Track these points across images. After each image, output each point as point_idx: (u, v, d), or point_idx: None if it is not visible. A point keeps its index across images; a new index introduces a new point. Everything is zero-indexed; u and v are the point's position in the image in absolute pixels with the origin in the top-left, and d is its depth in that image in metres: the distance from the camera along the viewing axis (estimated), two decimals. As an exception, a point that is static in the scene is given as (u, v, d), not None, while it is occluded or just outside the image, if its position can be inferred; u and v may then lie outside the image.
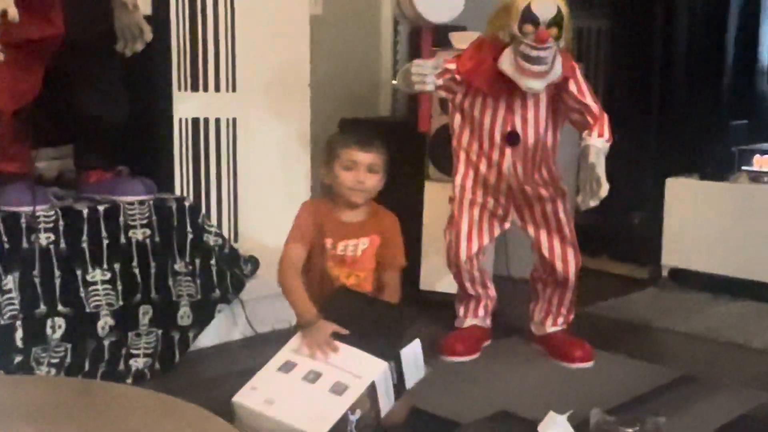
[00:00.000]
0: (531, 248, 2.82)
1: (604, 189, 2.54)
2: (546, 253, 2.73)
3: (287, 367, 2.05)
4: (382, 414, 2.02)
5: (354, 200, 2.28)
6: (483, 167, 2.70)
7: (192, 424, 1.12)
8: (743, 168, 3.61)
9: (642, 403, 2.39)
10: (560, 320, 2.81)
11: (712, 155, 3.67)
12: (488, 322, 2.89)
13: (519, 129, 2.62)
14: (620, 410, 2.29)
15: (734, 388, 2.53)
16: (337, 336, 2.09)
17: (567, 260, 2.72)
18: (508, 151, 2.65)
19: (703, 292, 3.61)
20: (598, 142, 2.54)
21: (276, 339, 2.77)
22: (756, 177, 3.57)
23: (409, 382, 2.09)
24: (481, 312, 2.87)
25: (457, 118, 2.73)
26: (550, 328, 2.81)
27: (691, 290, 3.65)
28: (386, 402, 2.01)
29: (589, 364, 2.71)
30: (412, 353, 2.09)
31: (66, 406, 1.18)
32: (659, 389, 2.52)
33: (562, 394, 2.45)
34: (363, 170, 2.25)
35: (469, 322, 2.86)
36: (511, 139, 2.63)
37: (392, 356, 2.04)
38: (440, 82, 2.59)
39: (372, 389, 1.96)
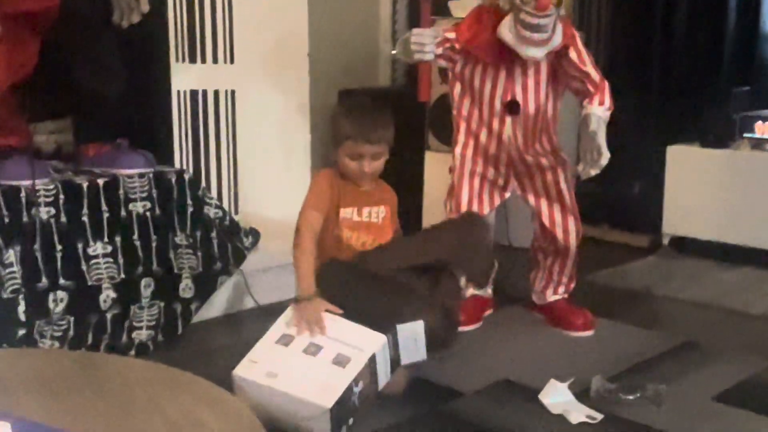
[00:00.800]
0: (531, 218, 2.81)
1: (605, 157, 2.53)
2: (546, 222, 2.72)
3: (285, 340, 2.05)
4: (380, 386, 2.03)
5: (359, 183, 2.32)
6: (483, 137, 2.69)
7: (195, 396, 1.12)
8: (745, 135, 3.60)
9: (643, 371, 2.40)
10: (561, 289, 2.81)
11: (714, 122, 3.66)
12: (489, 291, 2.90)
13: (519, 98, 2.61)
14: (621, 377, 2.31)
15: (734, 354, 2.55)
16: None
17: (568, 229, 2.72)
18: (508, 120, 2.63)
19: (704, 260, 3.61)
20: (599, 110, 2.53)
21: (278, 311, 2.79)
22: (757, 144, 3.56)
23: (405, 358, 2.10)
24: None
25: (457, 87, 2.71)
26: (551, 297, 2.82)
27: (691, 258, 3.65)
28: (384, 375, 2.03)
29: (590, 332, 2.72)
30: (411, 331, 2.09)
31: (69, 379, 1.18)
32: (660, 356, 2.53)
33: (564, 362, 2.46)
34: (368, 159, 2.28)
35: (471, 291, 2.86)
36: (512, 107, 2.62)
37: (390, 330, 2.04)
38: (440, 51, 2.57)
39: (372, 361, 1.97)
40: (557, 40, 2.50)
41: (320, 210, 2.26)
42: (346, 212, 2.30)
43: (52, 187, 2.38)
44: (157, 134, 2.91)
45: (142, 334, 2.54)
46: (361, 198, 2.32)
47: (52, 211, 2.37)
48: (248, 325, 2.76)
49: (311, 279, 2.17)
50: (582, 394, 2.18)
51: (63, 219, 2.39)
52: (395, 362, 2.07)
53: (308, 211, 2.26)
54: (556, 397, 2.16)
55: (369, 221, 2.32)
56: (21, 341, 2.27)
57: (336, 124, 2.31)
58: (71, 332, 2.38)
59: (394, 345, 2.05)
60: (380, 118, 2.32)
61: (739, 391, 2.28)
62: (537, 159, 2.68)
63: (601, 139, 2.52)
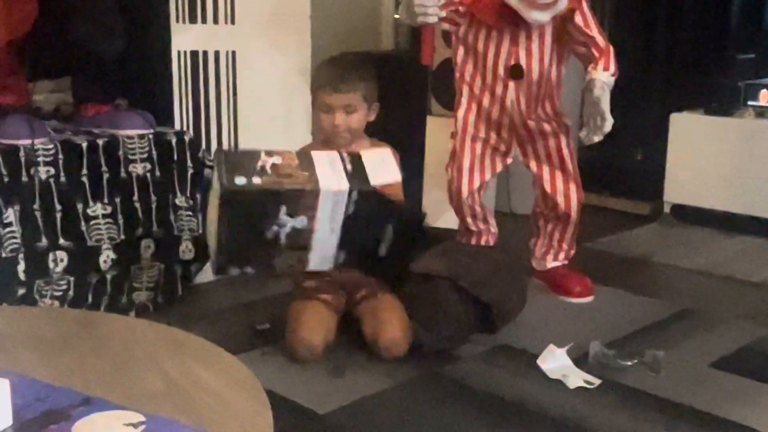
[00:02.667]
0: (533, 184, 2.80)
1: (608, 124, 2.51)
2: (548, 188, 2.71)
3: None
4: (315, 227, 1.88)
5: (337, 143, 2.23)
6: (486, 101, 2.67)
7: (194, 355, 1.12)
8: (749, 103, 3.57)
9: (641, 337, 2.41)
10: (561, 255, 2.81)
11: (718, 90, 3.63)
12: (489, 257, 2.89)
13: (523, 62, 2.58)
14: (619, 344, 2.32)
15: (733, 322, 2.55)
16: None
17: (569, 196, 2.71)
18: (511, 84, 2.61)
19: (705, 228, 3.61)
20: (604, 75, 2.50)
21: (277, 274, 2.79)
22: (762, 112, 3.54)
23: (375, 179, 1.92)
24: (482, 247, 2.87)
25: (461, 51, 2.68)
26: (550, 263, 2.82)
27: (692, 226, 3.65)
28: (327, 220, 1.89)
29: (589, 299, 2.73)
30: (378, 156, 1.99)
31: (69, 336, 1.18)
32: (659, 323, 2.54)
33: (562, 327, 2.47)
34: (340, 113, 2.21)
35: (471, 257, 2.86)
36: (515, 72, 2.59)
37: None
38: (443, 13, 2.54)
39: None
40: (563, 3, 2.47)
41: None
42: None
43: (51, 146, 2.37)
44: (157, 95, 2.88)
45: (141, 295, 2.54)
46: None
47: (52, 170, 2.36)
48: (247, 288, 2.76)
49: None
50: (580, 360, 2.19)
51: (62, 179, 2.38)
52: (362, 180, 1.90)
53: None
54: (555, 362, 2.16)
55: None
56: (20, 300, 2.27)
57: (312, 81, 2.29)
58: (71, 292, 2.39)
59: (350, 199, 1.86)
60: (354, 69, 2.25)
61: (737, 358, 2.29)
62: (540, 124, 2.67)
63: (605, 105, 2.50)
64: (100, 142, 2.47)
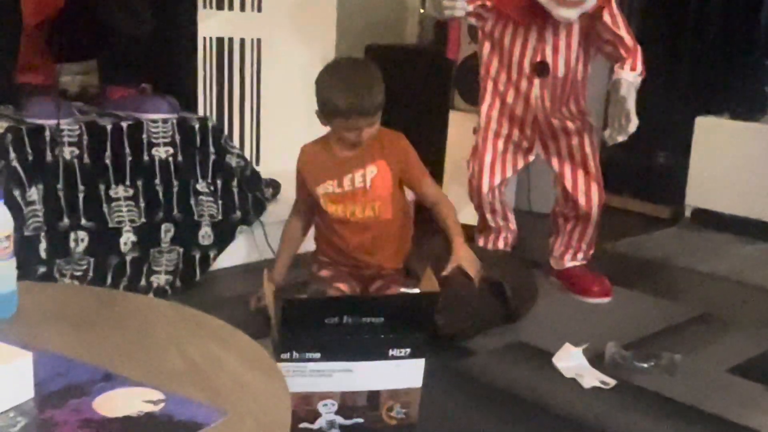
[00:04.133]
0: (554, 182, 2.79)
1: (633, 124, 2.50)
2: (569, 187, 2.70)
3: None
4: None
5: (354, 151, 2.20)
6: (510, 98, 2.66)
7: (214, 336, 1.13)
8: (776, 109, 3.54)
9: (658, 340, 2.40)
10: (580, 255, 2.80)
11: (745, 94, 3.59)
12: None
13: (549, 59, 2.57)
14: (636, 345, 2.30)
15: (751, 328, 2.53)
16: None
17: (590, 195, 2.70)
18: (536, 81, 2.60)
19: (725, 233, 3.58)
20: (630, 75, 2.49)
21: (294, 262, 2.80)
22: (788, 118, 3.50)
23: None
24: (501, 244, 2.86)
25: (486, 46, 2.67)
26: (569, 263, 2.80)
27: (712, 231, 3.62)
28: None
29: (606, 299, 2.71)
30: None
31: (91, 314, 1.19)
32: (676, 327, 2.52)
33: (579, 327, 2.46)
34: (366, 129, 2.14)
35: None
36: (541, 69, 2.58)
37: None
38: (470, 8, 2.53)
39: None
40: (591, 1, 2.45)
41: (298, 214, 2.39)
42: (326, 187, 2.22)
43: (76, 127, 2.39)
44: (182, 80, 2.90)
45: (160, 279, 2.56)
46: (339, 168, 2.20)
47: (76, 151, 2.38)
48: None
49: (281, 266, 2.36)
50: (596, 360, 2.18)
51: (86, 160, 2.40)
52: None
53: (288, 219, 2.42)
54: (570, 361, 2.16)
55: (353, 189, 2.20)
56: (41, 279, 2.29)
57: (324, 97, 2.13)
58: (91, 273, 2.40)
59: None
60: (372, 84, 2.12)
61: (754, 364, 2.27)
62: (563, 122, 2.65)
63: (631, 105, 2.48)
64: (125, 125, 2.48)
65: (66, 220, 2.36)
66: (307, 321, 1.55)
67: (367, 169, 2.21)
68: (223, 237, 2.73)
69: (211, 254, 2.70)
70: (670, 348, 2.27)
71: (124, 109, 2.61)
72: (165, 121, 2.57)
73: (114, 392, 0.94)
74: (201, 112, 2.92)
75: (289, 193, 2.99)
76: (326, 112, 2.15)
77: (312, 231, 2.43)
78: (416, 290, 1.82)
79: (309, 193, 2.29)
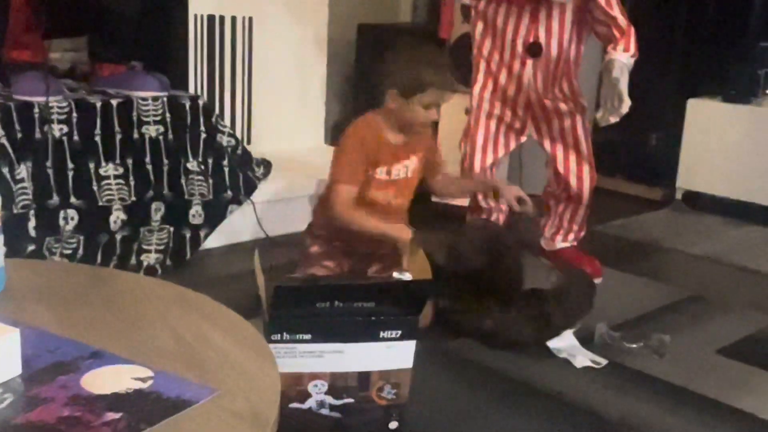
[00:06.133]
0: (546, 163, 2.79)
1: (626, 105, 2.49)
2: (561, 168, 2.70)
3: None
4: None
5: (418, 133, 2.24)
6: (503, 78, 2.65)
7: (204, 314, 1.12)
8: (768, 91, 3.54)
9: (648, 321, 2.41)
10: (571, 236, 2.80)
11: (737, 77, 3.59)
12: (499, 235, 2.88)
13: (542, 40, 2.56)
14: (626, 326, 2.31)
15: (740, 310, 2.55)
16: None
17: (582, 177, 2.70)
18: (529, 62, 2.59)
19: (716, 216, 3.59)
20: (623, 56, 2.48)
21: (287, 242, 2.79)
22: (779, 101, 3.50)
23: None
24: (492, 225, 2.86)
25: (479, 26, 2.66)
26: (560, 244, 2.81)
27: (703, 213, 3.63)
28: None
29: (597, 281, 2.71)
30: None
31: (79, 291, 1.18)
32: (666, 308, 2.53)
33: (569, 308, 2.46)
34: (440, 109, 2.21)
35: (480, 234, 2.85)
36: (534, 49, 2.57)
37: None
38: (464, -14, 2.51)
39: None
40: (585, -19, 2.44)
41: (353, 182, 2.18)
42: (379, 173, 2.23)
43: (65, 104, 2.37)
44: (173, 58, 2.88)
45: (150, 257, 2.55)
46: (393, 154, 2.23)
47: (65, 129, 2.36)
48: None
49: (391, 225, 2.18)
50: (586, 340, 2.19)
51: (75, 137, 2.38)
52: None
53: (340, 186, 2.18)
54: (562, 341, 2.16)
55: (397, 179, 2.25)
56: (30, 257, 2.28)
57: (418, 71, 2.16)
58: (80, 251, 2.39)
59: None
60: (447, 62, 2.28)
61: (743, 345, 2.28)
62: (556, 104, 2.65)
63: (623, 86, 2.47)
64: (114, 102, 2.46)
65: (55, 198, 2.34)
66: (297, 305, 1.54)
67: (411, 159, 2.27)
68: (214, 216, 2.72)
69: (202, 233, 2.69)
70: (659, 329, 2.28)
71: (113, 87, 2.58)
72: (155, 99, 2.55)
73: (102, 369, 0.93)
74: (192, 91, 2.90)
75: (280, 172, 2.98)
76: (419, 86, 2.16)
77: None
78: (409, 276, 1.82)
79: (366, 167, 2.21)
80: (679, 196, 3.77)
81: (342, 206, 2.18)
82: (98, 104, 2.43)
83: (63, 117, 2.36)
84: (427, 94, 2.17)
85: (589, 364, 2.08)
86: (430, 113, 2.19)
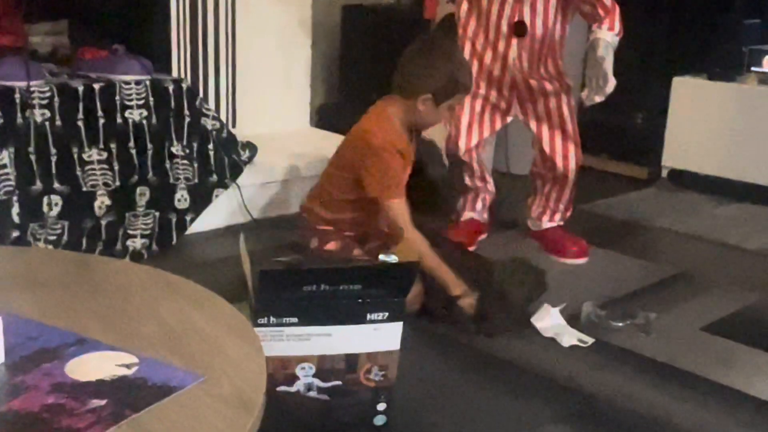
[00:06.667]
0: (532, 143, 2.78)
1: (611, 84, 2.49)
2: (547, 148, 2.70)
3: None
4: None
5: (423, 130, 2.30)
6: (488, 58, 2.64)
7: (190, 300, 1.12)
8: (753, 69, 3.54)
9: (634, 299, 2.42)
10: (557, 216, 2.81)
11: (722, 55, 3.59)
12: (486, 216, 2.89)
13: (527, 19, 2.55)
14: (612, 305, 2.32)
15: (725, 287, 2.56)
16: None
17: (568, 156, 2.70)
18: (514, 41, 2.58)
19: (702, 194, 3.61)
20: (608, 35, 2.47)
21: (273, 225, 2.79)
22: (765, 78, 3.51)
23: None
24: (479, 205, 2.86)
25: (464, 6, 2.64)
26: (546, 224, 2.81)
27: (689, 191, 3.65)
28: None
29: (583, 260, 2.73)
30: None
31: (63, 278, 1.18)
32: (652, 286, 2.54)
33: (556, 288, 2.46)
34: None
35: (467, 215, 2.85)
36: (519, 29, 2.56)
37: None
38: (448, -34, 2.50)
39: None
40: (570, -40, 2.43)
41: (404, 195, 2.17)
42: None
43: (47, 89, 2.34)
44: (155, 41, 2.85)
45: (136, 243, 2.54)
46: (410, 155, 2.26)
47: (47, 113, 2.34)
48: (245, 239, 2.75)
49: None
50: (573, 319, 2.20)
51: (58, 122, 2.35)
52: None
53: (398, 203, 2.15)
54: (548, 320, 2.17)
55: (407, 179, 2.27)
56: (14, 243, 2.26)
57: (457, 75, 2.16)
58: (65, 237, 2.38)
59: None
60: None
61: (728, 322, 2.30)
62: (541, 83, 2.64)
63: (608, 65, 2.47)
64: (97, 86, 2.44)
65: (39, 184, 2.32)
66: (283, 289, 1.54)
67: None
68: (200, 200, 2.71)
69: (188, 218, 2.68)
70: (645, 307, 2.29)
71: (96, 71, 2.56)
72: (138, 82, 2.53)
73: (87, 356, 0.93)
74: (175, 74, 2.87)
75: (265, 156, 2.97)
76: (455, 90, 2.18)
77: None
78: (395, 259, 1.82)
79: None
80: (664, 174, 3.78)
81: (407, 225, 2.14)
82: (80, 88, 2.40)
83: (45, 102, 2.33)
84: (457, 97, 2.20)
85: (576, 342, 2.09)
86: (446, 114, 2.25)
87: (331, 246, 2.27)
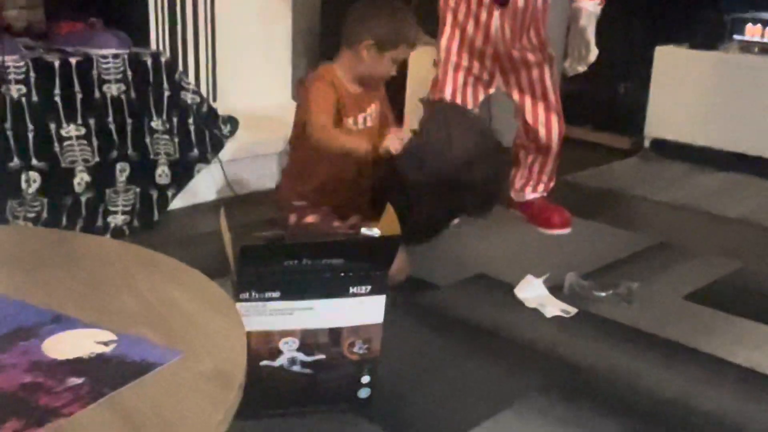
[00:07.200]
0: (515, 114, 2.77)
1: (593, 54, 2.48)
2: (530, 119, 2.69)
3: None
4: None
5: (375, 88, 2.25)
6: (470, 29, 2.61)
7: (168, 275, 1.10)
8: (735, 37, 3.54)
9: (617, 269, 2.43)
10: (540, 187, 2.81)
11: (704, 23, 3.58)
12: (469, 187, 2.88)
13: (509, -11, 2.52)
14: (595, 275, 2.33)
15: (708, 256, 2.58)
16: None
17: (551, 127, 2.69)
18: (496, 12, 2.55)
19: (684, 163, 3.62)
20: (590, 5, 2.46)
21: (257, 201, 2.77)
22: (746, 47, 3.51)
23: None
24: (462, 177, 2.85)
25: (445, -24, 2.62)
26: (529, 195, 2.81)
27: (672, 161, 3.66)
28: None
29: (566, 231, 2.74)
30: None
31: (40, 255, 1.16)
32: (635, 256, 2.55)
33: (540, 258, 2.48)
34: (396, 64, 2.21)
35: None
36: (501, -1, 2.54)
37: None
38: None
39: None
40: (551, -72, 2.40)
41: (328, 113, 2.14)
42: (348, 122, 2.20)
43: (22, 64, 2.30)
44: (132, 14, 2.80)
45: (117, 219, 2.51)
46: (357, 104, 2.22)
47: (23, 89, 2.30)
48: (227, 215, 2.73)
49: (355, 138, 2.16)
50: (556, 290, 2.21)
51: (34, 98, 2.32)
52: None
53: (318, 117, 2.13)
54: (532, 291, 2.18)
55: (365, 127, 2.24)
56: (-7, 221, 2.24)
57: (391, 26, 2.15)
58: (45, 214, 2.35)
59: None
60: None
61: (710, 290, 2.32)
62: (523, 54, 2.62)
63: (591, 35, 2.46)
64: (73, 61, 2.40)
65: (16, 161, 2.29)
66: (265, 264, 1.53)
67: (372, 107, 2.26)
68: (181, 176, 2.69)
69: (169, 193, 2.66)
70: (628, 276, 2.30)
71: (72, 45, 2.51)
72: (116, 56, 2.49)
73: (64, 334, 0.91)
74: (153, 47, 2.84)
75: (247, 130, 2.94)
76: (392, 41, 2.15)
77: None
78: (377, 232, 1.81)
79: (337, 110, 2.18)
80: (647, 144, 3.79)
81: (319, 131, 2.12)
82: (57, 63, 2.36)
83: (20, 77, 2.29)
84: (401, 49, 2.18)
85: (559, 313, 2.10)
86: (391, 68, 2.20)
87: (310, 219, 2.26)
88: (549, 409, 1.69)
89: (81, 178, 2.41)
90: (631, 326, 2.07)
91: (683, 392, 1.78)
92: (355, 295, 1.59)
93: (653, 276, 2.39)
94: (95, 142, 2.44)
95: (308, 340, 1.60)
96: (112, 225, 2.50)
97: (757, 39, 3.49)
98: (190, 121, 2.69)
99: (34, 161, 2.32)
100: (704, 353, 1.95)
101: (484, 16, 2.57)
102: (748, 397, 1.76)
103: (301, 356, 1.61)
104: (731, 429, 1.65)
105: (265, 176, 2.96)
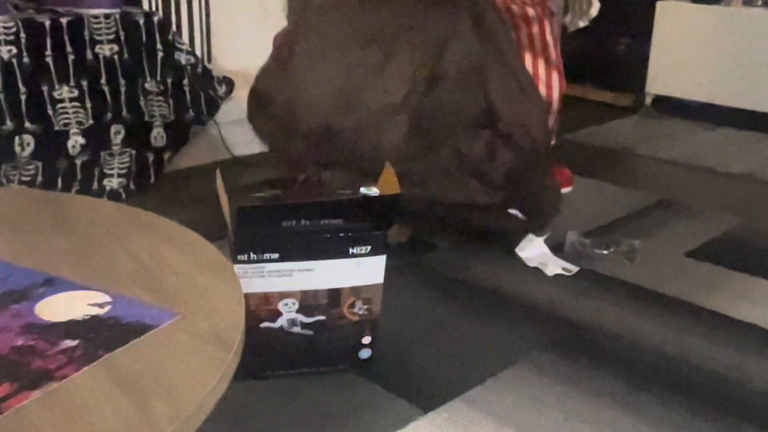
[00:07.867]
0: (515, 71, 2.73)
1: (595, 8, 2.44)
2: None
3: None
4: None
5: None
6: (468, -16, 2.56)
7: (162, 236, 1.08)
8: (738, -9, 3.48)
9: (618, 227, 2.41)
10: (541, 145, 2.77)
11: (707, -24, 3.52)
12: (468, 146, 2.85)
13: (508, -58, 2.47)
14: (596, 233, 2.31)
15: (710, 212, 2.56)
16: None
17: (551, 84, 2.65)
18: (495, -35, 2.50)
19: (686, 120, 3.58)
20: (591, -43, 2.41)
21: (253, 163, 2.75)
22: (749, 0, 3.45)
23: None
24: (461, 136, 2.82)
25: (443, -71, 2.55)
26: (530, 153, 2.78)
27: (673, 118, 3.62)
28: None
29: (567, 189, 2.71)
30: None
31: (32, 216, 1.14)
32: (636, 213, 2.53)
33: (540, 217, 2.46)
34: None
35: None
36: (500, -48, 2.48)
37: None
38: None
39: None
40: None
41: None
42: None
43: (11, 24, 2.25)
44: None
45: (113, 182, 2.49)
46: None
47: (14, 50, 2.25)
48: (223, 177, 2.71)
49: None
50: (557, 248, 2.19)
51: (25, 59, 2.28)
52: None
53: None
54: (533, 250, 2.16)
55: None
56: (-13, 186, 2.21)
57: None
58: (40, 177, 2.32)
59: None
60: None
61: (711, 247, 2.30)
62: (523, 9, 2.57)
63: (592, -12, 2.41)
64: (64, 21, 2.35)
65: (9, 124, 2.25)
66: (263, 225, 1.51)
67: None
68: (177, 137, 2.65)
69: (165, 156, 2.62)
70: (629, 234, 2.29)
71: (63, 5, 2.46)
72: (107, 16, 2.44)
73: (57, 296, 0.90)
74: (146, 6, 2.78)
75: (243, 91, 2.90)
76: None
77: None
78: (375, 191, 1.78)
79: None
80: (648, 101, 3.74)
81: None
82: (47, 23, 2.32)
83: (10, 38, 2.25)
84: None
85: (561, 271, 2.08)
86: None
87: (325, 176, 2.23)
88: (551, 368, 1.68)
89: (75, 141, 2.38)
90: (632, 284, 2.06)
91: (685, 348, 1.77)
92: (354, 255, 1.57)
93: (655, 233, 2.37)
94: (89, 104, 2.40)
95: (308, 301, 1.59)
96: (108, 188, 2.47)
97: (760, -8, 3.44)
98: (185, 82, 2.64)
99: (27, 124, 2.28)
100: (706, 309, 1.94)
101: (482, -30, 2.52)
102: (749, 353, 1.76)
103: (300, 317, 1.60)
104: (733, 385, 1.64)
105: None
